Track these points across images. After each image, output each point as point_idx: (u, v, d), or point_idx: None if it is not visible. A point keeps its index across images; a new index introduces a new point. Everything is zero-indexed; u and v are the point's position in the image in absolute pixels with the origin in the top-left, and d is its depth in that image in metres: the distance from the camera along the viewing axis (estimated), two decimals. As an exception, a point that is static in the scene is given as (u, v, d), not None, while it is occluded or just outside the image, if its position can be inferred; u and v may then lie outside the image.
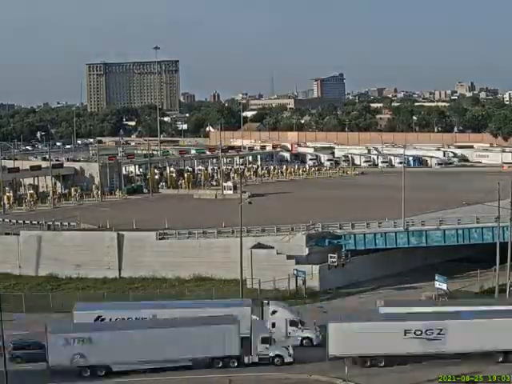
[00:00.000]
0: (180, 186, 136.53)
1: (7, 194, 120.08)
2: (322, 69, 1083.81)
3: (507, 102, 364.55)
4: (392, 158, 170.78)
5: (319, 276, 79.02)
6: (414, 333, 55.63)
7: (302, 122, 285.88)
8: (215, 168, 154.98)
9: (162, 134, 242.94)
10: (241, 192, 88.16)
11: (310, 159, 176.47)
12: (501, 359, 55.63)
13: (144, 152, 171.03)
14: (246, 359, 56.47)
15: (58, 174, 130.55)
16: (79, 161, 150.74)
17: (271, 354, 56.68)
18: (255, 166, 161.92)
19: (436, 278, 74.54)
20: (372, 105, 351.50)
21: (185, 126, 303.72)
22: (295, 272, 78.20)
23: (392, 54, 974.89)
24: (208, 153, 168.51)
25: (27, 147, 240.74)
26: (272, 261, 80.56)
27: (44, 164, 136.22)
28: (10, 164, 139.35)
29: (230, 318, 57.41)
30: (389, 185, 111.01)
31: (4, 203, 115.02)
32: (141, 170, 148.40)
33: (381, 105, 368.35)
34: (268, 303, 62.95)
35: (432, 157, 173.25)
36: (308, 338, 60.80)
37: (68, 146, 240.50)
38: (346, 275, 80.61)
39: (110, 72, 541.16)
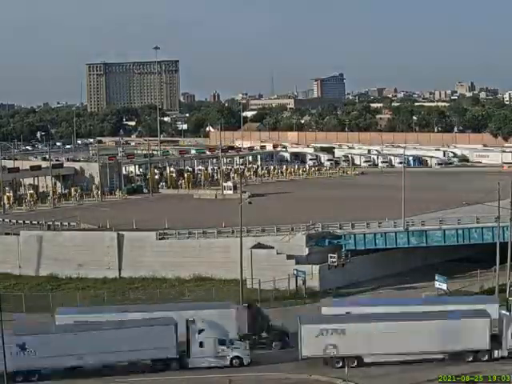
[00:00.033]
0: (180, 186, 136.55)
1: (7, 194, 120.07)
2: (322, 69, 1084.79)
3: (507, 102, 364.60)
4: (392, 157, 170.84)
5: (319, 276, 79.01)
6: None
7: (302, 122, 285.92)
8: (215, 168, 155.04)
9: (162, 134, 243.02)
10: (241, 192, 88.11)
11: (310, 159, 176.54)
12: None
13: (144, 152, 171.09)
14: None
15: (57, 173, 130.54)
16: (79, 161, 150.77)
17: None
18: (255, 166, 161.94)
19: (436, 278, 74.57)
20: (372, 105, 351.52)
21: (185, 126, 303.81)
22: (295, 272, 78.19)
23: (392, 53, 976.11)
24: (208, 153, 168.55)
25: (27, 147, 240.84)
26: (272, 261, 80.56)
27: (44, 164, 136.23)
28: (10, 164, 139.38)
29: None
30: (389, 185, 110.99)
31: (4, 203, 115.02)
32: (141, 170, 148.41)
33: (381, 105, 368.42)
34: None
35: (432, 157, 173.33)
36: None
37: (68, 146, 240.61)
38: (346, 275, 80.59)
39: (110, 72, 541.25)
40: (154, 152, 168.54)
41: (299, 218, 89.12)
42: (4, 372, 51.03)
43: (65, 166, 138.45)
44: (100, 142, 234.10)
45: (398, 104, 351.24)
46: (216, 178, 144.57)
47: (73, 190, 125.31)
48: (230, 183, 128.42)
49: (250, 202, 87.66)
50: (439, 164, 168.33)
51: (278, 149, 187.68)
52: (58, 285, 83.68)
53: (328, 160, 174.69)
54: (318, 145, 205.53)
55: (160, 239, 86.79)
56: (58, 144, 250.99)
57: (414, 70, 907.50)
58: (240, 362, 56.91)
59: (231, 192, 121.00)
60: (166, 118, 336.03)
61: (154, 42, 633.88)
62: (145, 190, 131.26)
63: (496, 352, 56.53)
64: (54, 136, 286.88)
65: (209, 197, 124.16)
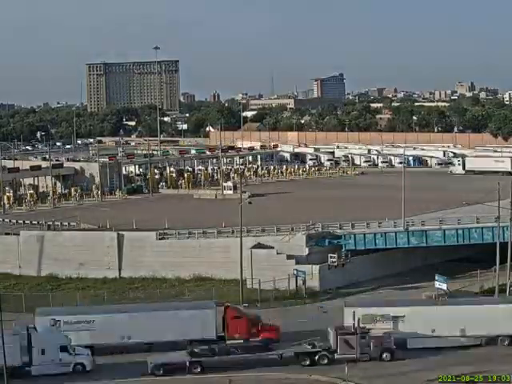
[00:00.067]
0: (180, 186, 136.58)
1: (7, 194, 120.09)
2: (322, 69, 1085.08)
3: (507, 102, 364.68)
4: (392, 157, 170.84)
5: (319, 276, 78.97)
6: None
7: (302, 122, 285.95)
8: (215, 168, 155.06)
9: (162, 134, 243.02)
10: (241, 192, 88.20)
11: (310, 159, 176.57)
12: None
13: (144, 152, 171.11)
14: None
15: (58, 174, 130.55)
16: (79, 161, 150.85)
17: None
18: (255, 166, 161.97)
19: (436, 278, 74.49)
20: (372, 105, 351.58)
21: (185, 126, 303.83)
22: (295, 272, 78.14)
23: (392, 53, 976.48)
24: (208, 153, 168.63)
25: (27, 147, 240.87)
26: (272, 261, 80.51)
27: (44, 164, 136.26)
28: (10, 164, 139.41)
29: None
30: (389, 185, 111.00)
31: (4, 203, 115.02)
32: (141, 170, 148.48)
33: (381, 105, 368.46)
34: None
35: (432, 157, 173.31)
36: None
37: (68, 146, 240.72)
38: (346, 275, 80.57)
39: (110, 72, 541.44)
40: (154, 152, 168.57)
41: (299, 218, 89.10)
42: (4, 371, 50.94)
43: (65, 166, 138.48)
44: (100, 142, 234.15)
45: (398, 104, 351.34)
46: (216, 177, 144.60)
47: (73, 189, 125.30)
48: (230, 183, 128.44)
49: (250, 202, 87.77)
50: (439, 164, 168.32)
51: (279, 149, 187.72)
52: (58, 285, 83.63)
53: (328, 160, 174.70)
54: (324, 147, 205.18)
55: (160, 239, 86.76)
56: (57, 144, 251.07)
57: (413, 70, 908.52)
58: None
59: (231, 192, 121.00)
60: (166, 118, 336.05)
61: (154, 42, 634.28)
62: (145, 190, 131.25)
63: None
64: (54, 136, 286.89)
65: (209, 197, 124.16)
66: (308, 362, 56.87)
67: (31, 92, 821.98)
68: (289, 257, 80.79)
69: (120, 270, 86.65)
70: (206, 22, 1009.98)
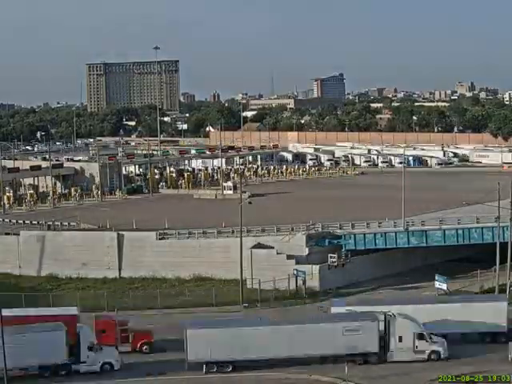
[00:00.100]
0: (180, 186, 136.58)
1: (7, 194, 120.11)
2: (322, 69, 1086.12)
3: (507, 102, 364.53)
4: (392, 157, 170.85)
5: (319, 276, 78.98)
6: None
7: (302, 122, 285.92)
8: (215, 168, 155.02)
9: (162, 134, 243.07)
10: (241, 192, 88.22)
11: (310, 159, 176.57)
12: None
13: (144, 152, 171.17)
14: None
15: (58, 174, 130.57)
16: (79, 161, 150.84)
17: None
18: (255, 166, 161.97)
19: (436, 278, 74.59)
20: (372, 105, 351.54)
21: (185, 126, 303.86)
22: (295, 272, 78.16)
23: (392, 53, 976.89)
24: (208, 153, 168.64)
25: (27, 147, 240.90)
26: (272, 261, 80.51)
27: (44, 164, 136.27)
28: (10, 164, 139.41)
29: None
30: (389, 185, 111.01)
31: (4, 203, 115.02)
32: (141, 170, 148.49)
33: (381, 105, 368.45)
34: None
35: (432, 157, 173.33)
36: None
37: (68, 146, 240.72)
38: (346, 275, 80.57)
39: (110, 72, 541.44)
40: (154, 152, 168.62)
41: (299, 218, 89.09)
42: (4, 371, 50.90)
43: (65, 166, 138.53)
44: (100, 142, 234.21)
45: (398, 104, 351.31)
46: (216, 177, 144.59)
47: (73, 189, 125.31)
48: (229, 183, 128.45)
49: (250, 202, 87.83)
50: (439, 164, 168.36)
51: (278, 148, 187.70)
52: (58, 285, 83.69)
53: (328, 160, 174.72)
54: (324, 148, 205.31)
55: (160, 239, 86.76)
56: (57, 144, 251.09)
57: (414, 70, 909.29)
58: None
59: (231, 192, 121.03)
60: (165, 118, 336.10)
61: (154, 42, 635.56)
62: (145, 190, 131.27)
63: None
64: (54, 136, 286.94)
65: (209, 197, 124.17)
66: None
67: (31, 92, 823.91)
68: (289, 257, 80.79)
69: (120, 269, 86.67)
70: (206, 22, 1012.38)
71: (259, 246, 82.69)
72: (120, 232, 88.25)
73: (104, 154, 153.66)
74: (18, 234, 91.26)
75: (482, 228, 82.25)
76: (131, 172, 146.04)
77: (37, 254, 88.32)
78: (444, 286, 73.67)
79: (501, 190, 72.49)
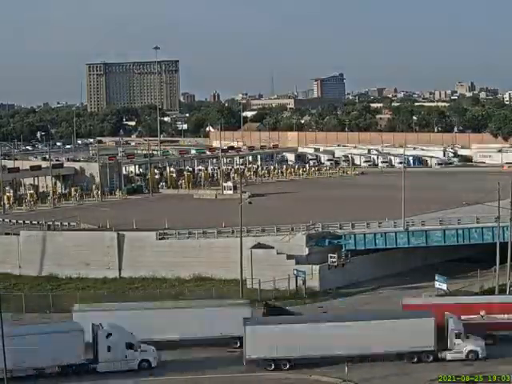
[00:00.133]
0: (180, 186, 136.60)
1: (7, 194, 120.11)
2: (322, 69, 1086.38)
3: (507, 102, 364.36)
4: (392, 157, 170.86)
5: (319, 276, 79.00)
6: None
7: (302, 122, 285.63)
8: (215, 168, 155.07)
9: (162, 134, 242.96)
10: (241, 192, 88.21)
11: (310, 159, 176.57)
12: None
13: (144, 152, 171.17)
14: None
15: (57, 174, 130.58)
16: (79, 161, 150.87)
17: None
18: (255, 166, 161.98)
19: (436, 278, 74.57)
20: (372, 105, 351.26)
21: (185, 126, 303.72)
22: (295, 272, 78.16)
23: (392, 54, 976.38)
24: (208, 153, 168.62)
25: (27, 147, 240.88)
26: (272, 261, 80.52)
27: (44, 164, 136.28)
28: (10, 164, 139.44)
29: None
30: (389, 185, 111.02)
31: (4, 203, 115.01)
32: (141, 170, 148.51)
33: (381, 105, 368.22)
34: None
35: (432, 157, 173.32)
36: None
37: (68, 146, 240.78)
38: (346, 275, 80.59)
39: (110, 72, 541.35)
40: (154, 152, 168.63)
41: (299, 218, 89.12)
42: (4, 371, 50.90)
43: (65, 166, 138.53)
44: (100, 142, 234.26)
45: (398, 104, 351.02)
46: (216, 177, 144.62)
47: (73, 189, 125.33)
48: (230, 183, 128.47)
49: (250, 202, 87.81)
50: (439, 164, 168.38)
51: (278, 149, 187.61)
52: (58, 285, 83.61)
53: (328, 160, 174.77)
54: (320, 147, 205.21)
55: (160, 239, 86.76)
56: (57, 144, 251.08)
57: (413, 70, 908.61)
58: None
59: (231, 192, 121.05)
60: (166, 118, 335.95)
61: (153, 42, 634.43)
62: (145, 190, 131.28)
63: None
64: (54, 136, 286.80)
65: (209, 197, 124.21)
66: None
67: (31, 92, 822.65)
68: (289, 257, 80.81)
69: (120, 269, 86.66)
70: (206, 22, 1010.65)
71: (259, 246, 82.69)
72: (120, 232, 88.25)
73: (104, 154, 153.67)
74: (18, 234, 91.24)
75: (482, 228, 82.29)
76: (131, 172, 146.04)
77: (37, 254, 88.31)
78: (444, 286, 73.67)
79: (501, 190, 72.49)
